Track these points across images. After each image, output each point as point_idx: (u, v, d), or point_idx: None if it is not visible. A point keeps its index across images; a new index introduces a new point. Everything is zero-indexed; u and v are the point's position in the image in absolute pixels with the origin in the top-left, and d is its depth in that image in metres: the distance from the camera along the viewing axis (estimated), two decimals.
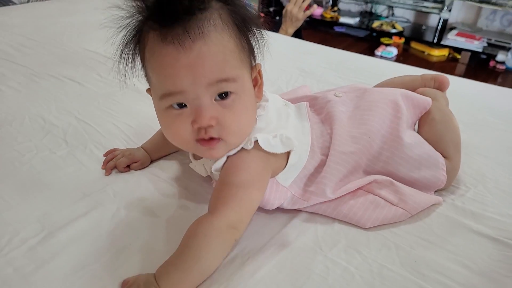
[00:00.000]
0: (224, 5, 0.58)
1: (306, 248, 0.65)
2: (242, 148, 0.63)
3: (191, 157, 0.74)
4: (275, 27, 1.95)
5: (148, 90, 0.64)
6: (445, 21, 3.12)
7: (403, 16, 3.46)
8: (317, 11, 3.53)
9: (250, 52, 0.61)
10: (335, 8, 3.60)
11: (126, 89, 0.56)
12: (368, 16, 3.53)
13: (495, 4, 2.88)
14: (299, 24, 1.93)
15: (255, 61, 0.63)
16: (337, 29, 3.54)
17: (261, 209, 0.70)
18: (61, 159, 0.83)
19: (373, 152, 0.74)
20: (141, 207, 0.72)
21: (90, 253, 0.63)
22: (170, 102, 0.58)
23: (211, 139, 0.59)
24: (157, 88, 0.59)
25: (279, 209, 0.71)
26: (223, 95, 0.58)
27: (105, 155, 0.84)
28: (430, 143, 0.78)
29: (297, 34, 1.96)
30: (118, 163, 0.80)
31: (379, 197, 0.71)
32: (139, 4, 0.58)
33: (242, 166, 0.62)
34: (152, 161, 0.83)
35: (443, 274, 0.60)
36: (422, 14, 3.36)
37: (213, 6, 0.56)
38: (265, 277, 0.59)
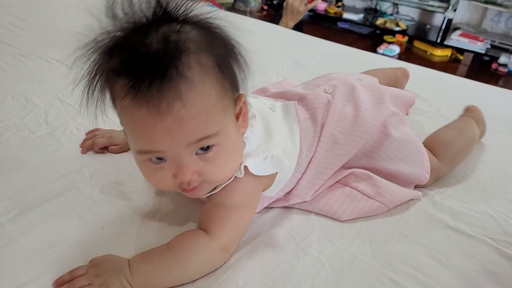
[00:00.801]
0: (202, 44, 0.50)
1: (279, 237, 0.64)
2: (234, 177, 0.60)
3: None
4: (275, 20, 1.92)
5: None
6: (450, 21, 3.09)
7: (408, 14, 3.44)
8: (321, 5, 3.51)
9: (233, 88, 0.55)
10: (340, 4, 3.57)
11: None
12: (373, 13, 3.51)
13: (500, 5, 2.85)
14: (300, 17, 1.89)
15: (238, 91, 0.56)
16: (341, 25, 3.51)
17: None
18: (40, 139, 0.83)
19: (360, 150, 0.73)
20: (116, 190, 0.72)
21: (60, 233, 0.62)
22: (148, 157, 0.53)
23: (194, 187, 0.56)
24: (132, 143, 0.54)
25: None
26: (205, 148, 0.53)
27: (87, 133, 0.83)
28: (439, 140, 0.81)
29: (298, 28, 1.92)
30: (95, 142, 0.80)
31: (356, 190, 0.70)
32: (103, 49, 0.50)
33: (235, 189, 0.60)
34: None
35: (414, 267, 0.59)
36: (426, 13, 3.33)
37: (189, 52, 0.48)
38: (234, 264, 0.59)
